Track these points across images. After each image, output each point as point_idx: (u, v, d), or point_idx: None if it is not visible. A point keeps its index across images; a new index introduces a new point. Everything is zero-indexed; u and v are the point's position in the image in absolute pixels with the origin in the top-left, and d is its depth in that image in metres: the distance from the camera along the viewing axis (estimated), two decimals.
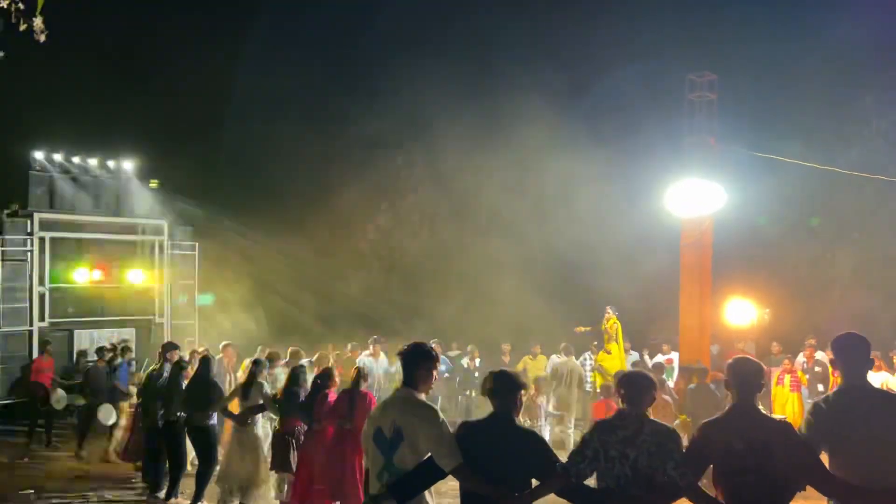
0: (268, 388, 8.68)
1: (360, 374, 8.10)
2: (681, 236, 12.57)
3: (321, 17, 21.28)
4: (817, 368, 12.58)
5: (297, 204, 20.87)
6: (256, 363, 9.00)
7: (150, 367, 10.05)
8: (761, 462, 3.89)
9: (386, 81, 19.76)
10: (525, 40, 18.28)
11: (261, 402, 8.50)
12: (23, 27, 3.12)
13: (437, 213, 21.60)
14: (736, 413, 4.09)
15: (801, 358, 13.26)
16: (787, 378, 11.65)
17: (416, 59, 18.28)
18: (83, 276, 15.55)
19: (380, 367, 12.31)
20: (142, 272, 16.23)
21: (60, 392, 12.37)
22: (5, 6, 2.95)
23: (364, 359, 12.29)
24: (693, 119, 12.80)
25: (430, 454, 4.08)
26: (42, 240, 15.01)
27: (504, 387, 4.27)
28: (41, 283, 14.93)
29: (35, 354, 14.20)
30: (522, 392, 4.33)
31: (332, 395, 8.17)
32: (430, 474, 4.10)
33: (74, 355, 14.41)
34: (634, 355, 14.06)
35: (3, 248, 14.48)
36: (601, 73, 18.10)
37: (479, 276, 18.37)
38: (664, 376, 13.54)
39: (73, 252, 15.70)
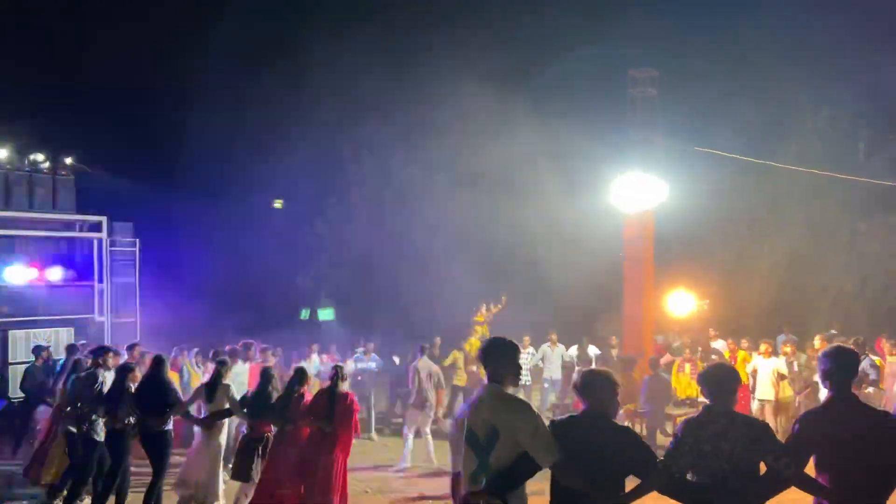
0: (234, 390, 8.21)
1: (339, 374, 7.79)
2: (624, 230, 12.76)
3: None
4: (714, 356, 13.29)
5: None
6: (221, 363, 8.45)
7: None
8: (866, 453, 3.94)
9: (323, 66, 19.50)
10: (467, 29, 18.24)
11: (227, 405, 8.04)
12: None
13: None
14: (837, 404, 4.13)
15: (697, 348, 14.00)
16: (688, 367, 12.20)
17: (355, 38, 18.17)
18: (17, 274, 15.06)
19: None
20: (79, 270, 15.78)
21: None
22: None
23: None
24: (635, 114, 12.98)
25: (526, 449, 3.99)
26: None
27: (594, 384, 4.25)
28: None
29: None
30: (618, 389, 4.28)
31: (308, 395, 7.90)
32: (527, 470, 4.04)
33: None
34: (563, 348, 14.33)
35: None
36: (543, 66, 18.24)
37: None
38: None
39: (6, 249, 15.19)
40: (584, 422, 4.21)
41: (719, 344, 13.72)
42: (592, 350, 14.48)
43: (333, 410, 7.46)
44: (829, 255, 17.66)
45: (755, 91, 18.29)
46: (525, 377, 13.56)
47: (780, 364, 11.58)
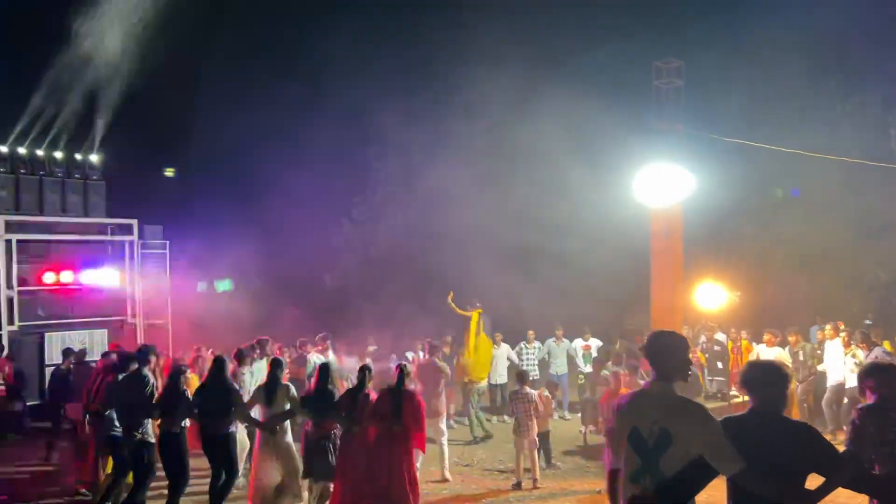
0: (294, 391, 7.96)
1: (405, 372, 7.67)
2: (651, 224, 12.65)
3: None
4: (716, 347, 13.75)
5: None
6: (276, 363, 8.16)
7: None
8: None
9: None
10: (492, 21, 18.18)
11: (288, 406, 7.83)
12: None
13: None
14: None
15: (702, 338, 14.49)
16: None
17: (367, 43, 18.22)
18: (52, 278, 15.33)
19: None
20: (112, 272, 16.03)
21: None
22: None
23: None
24: (660, 105, 12.87)
25: (701, 455, 3.74)
26: (9, 242, 14.78)
27: (764, 378, 4.00)
28: (9, 286, 14.70)
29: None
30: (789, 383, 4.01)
31: (373, 394, 7.72)
32: (704, 477, 3.80)
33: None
34: (531, 342, 14.34)
35: None
36: (568, 60, 18.14)
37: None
38: (583, 362, 14.31)
39: (41, 254, 15.47)
40: (757, 421, 3.93)
41: (720, 336, 13.90)
42: (594, 342, 14.52)
43: (400, 409, 7.35)
44: (862, 244, 17.38)
45: (782, 79, 18.04)
46: (533, 372, 13.68)
47: (783, 353, 11.60)
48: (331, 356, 12.52)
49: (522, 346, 14.19)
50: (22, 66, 15.33)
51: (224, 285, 18.27)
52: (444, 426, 10.44)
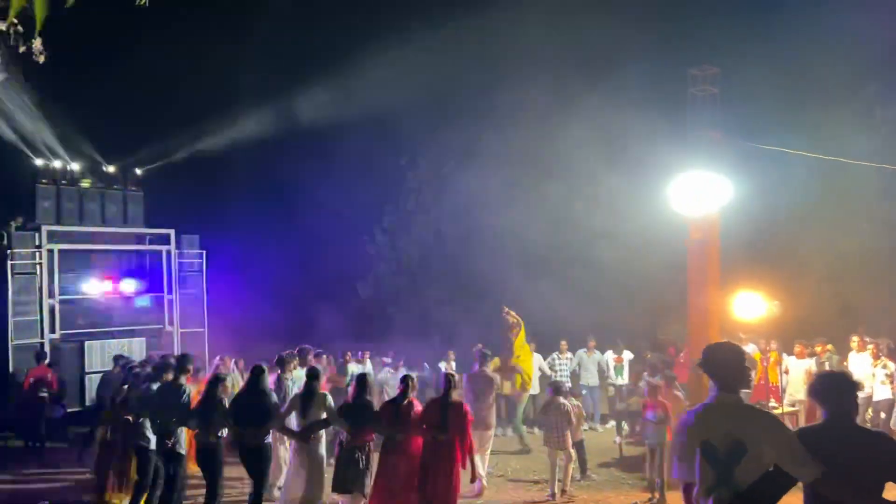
0: (331, 400, 7.91)
1: (452, 383, 7.62)
2: (688, 233, 12.52)
3: None
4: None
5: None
6: (313, 372, 8.07)
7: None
8: None
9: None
10: (526, 29, 18.16)
11: (323, 415, 7.78)
12: (22, 49, 3.13)
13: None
14: None
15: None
16: None
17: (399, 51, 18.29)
18: (92, 287, 15.62)
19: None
20: (150, 281, 16.30)
21: None
22: (4, 29, 2.96)
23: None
24: (696, 113, 12.75)
25: (777, 464, 3.79)
26: (50, 252, 15.09)
27: (837, 388, 4.01)
28: (51, 295, 15.00)
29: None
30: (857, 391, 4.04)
31: (416, 403, 7.72)
32: (783, 485, 3.84)
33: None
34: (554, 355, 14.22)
35: (12, 262, 14.53)
36: (603, 67, 18.05)
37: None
38: (614, 374, 14.33)
39: (81, 263, 15.78)
40: (833, 429, 3.92)
41: (750, 348, 13.34)
42: (626, 355, 14.41)
43: (447, 419, 7.35)
44: None
45: (819, 84, 17.77)
46: (567, 382, 13.50)
47: (811, 365, 11.70)
48: (368, 366, 12.65)
49: (555, 356, 14.13)
50: (63, 82, 15.63)
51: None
52: (490, 438, 10.26)
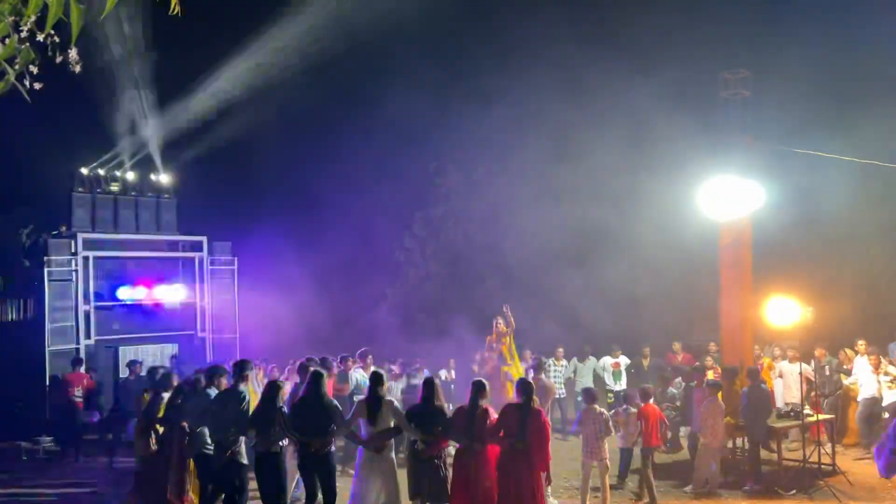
0: (398, 406, 7.59)
1: (531, 390, 7.40)
2: (719, 237, 12.38)
3: None
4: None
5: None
6: (377, 377, 7.65)
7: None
8: None
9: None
10: (555, 33, 18.09)
11: (393, 423, 7.44)
12: (59, 59, 3.19)
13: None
14: None
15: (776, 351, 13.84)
16: (710, 373, 12.33)
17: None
18: (127, 293, 15.87)
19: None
20: (183, 288, 16.51)
21: None
22: (41, 39, 3.03)
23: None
24: (728, 117, 12.62)
25: None
26: (86, 259, 15.35)
27: None
28: (86, 301, 15.25)
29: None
30: None
31: (491, 410, 7.55)
32: None
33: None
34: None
35: (48, 269, 14.82)
36: (634, 72, 17.94)
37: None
38: (612, 379, 14.16)
39: (116, 270, 16.03)
40: None
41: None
42: (623, 360, 14.22)
43: (526, 427, 7.20)
44: None
45: (853, 87, 17.50)
46: (560, 390, 13.54)
47: (807, 368, 11.93)
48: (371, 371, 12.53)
49: (551, 362, 13.58)
50: (92, 93, 15.92)
51: None
52: None
